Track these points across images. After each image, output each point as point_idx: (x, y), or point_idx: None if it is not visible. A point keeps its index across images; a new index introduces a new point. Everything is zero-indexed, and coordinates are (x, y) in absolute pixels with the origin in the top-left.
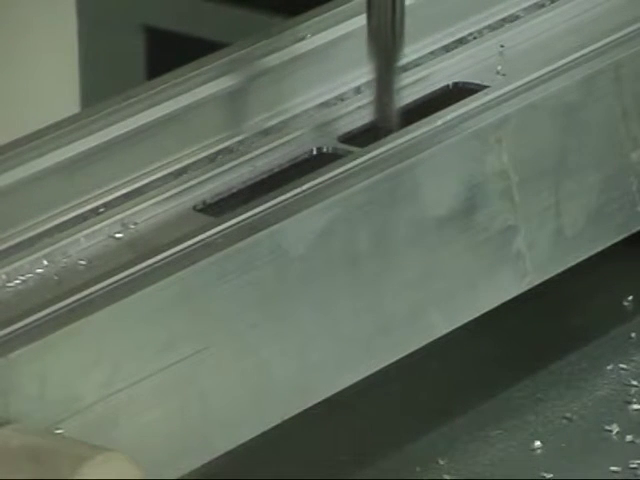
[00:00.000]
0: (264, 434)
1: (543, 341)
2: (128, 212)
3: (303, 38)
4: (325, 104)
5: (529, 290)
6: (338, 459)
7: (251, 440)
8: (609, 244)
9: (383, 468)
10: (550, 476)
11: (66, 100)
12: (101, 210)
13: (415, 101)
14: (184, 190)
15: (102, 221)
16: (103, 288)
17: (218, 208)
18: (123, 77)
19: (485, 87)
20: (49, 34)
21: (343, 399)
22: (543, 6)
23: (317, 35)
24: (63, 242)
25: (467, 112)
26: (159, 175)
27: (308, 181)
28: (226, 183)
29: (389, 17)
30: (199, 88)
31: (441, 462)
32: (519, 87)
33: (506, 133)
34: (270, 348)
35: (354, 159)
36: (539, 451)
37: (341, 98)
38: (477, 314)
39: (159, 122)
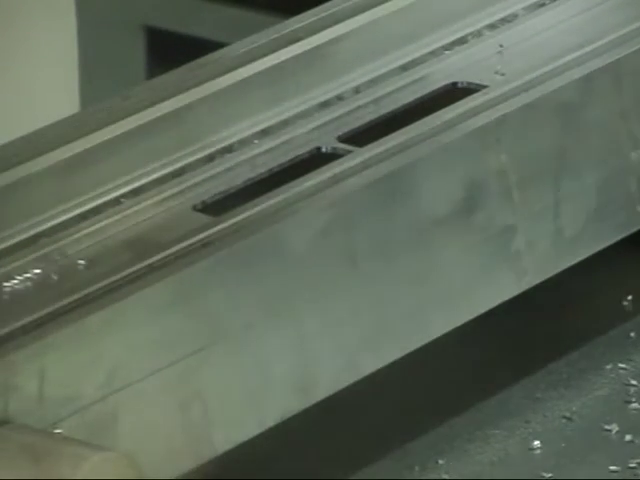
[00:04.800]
0: (263, 434)
1: (542, 341)
2: (127, 212)
3: (302, 38)
4: (324, 104)
5: (528, 290)
6: (338, 459)
7: (251, 440)
8: (609, 244)
9: (383, 468)
10: (549, 475)
11: (66, 100)
12: (100, 209)
13: (414, 101)
14: (184, 190)
15: (101, 220)
16: (102, 288)
17: (218, 208)
18: (123, 77)
19: (484, 87)
20: (49, 34)
21: (343, 399)
22: (542, 5)
23: (316, 35)
24: (62, 242)
25: (466, 112)
26: (158, 175)
27: (308, 181)
28: (225, 183)
29: None
30: (198, 88)
31: (441, 462)
32: (518, 87)
33: (505, 133)
34: (270, 348)
35: (353, 159)
36: (538, 450)
37: (340, 98)
38: (476, 314)
39: (159, 122)
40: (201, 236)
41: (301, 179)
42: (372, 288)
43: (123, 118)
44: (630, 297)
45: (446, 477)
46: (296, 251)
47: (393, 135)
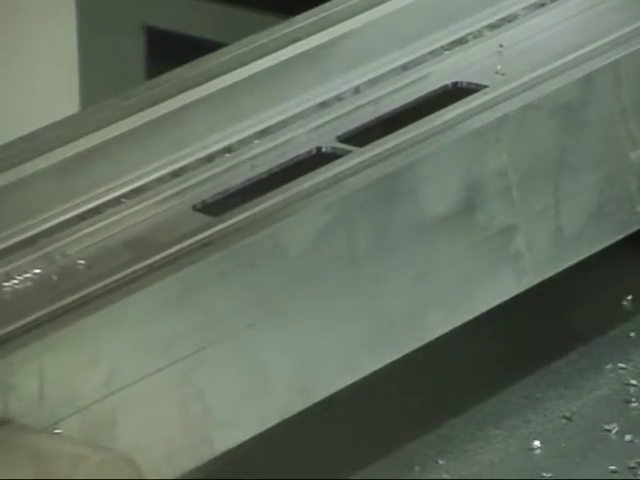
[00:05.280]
0: (263, 434)
1: (542, 341)
2: (127, 212)
3: (302, 38)
4: (324, 104)
5: (528, 290)
6: (338, 459)
7: (251, 440)
8: (608, 244)
9: (383, 468)
10: (549, 475)
11: (66, 100)
12: (100, 209)
13: (415, 101)
14: (183, 190)
15: (101, 220)
16: (102, 288)
17: (217, 208)
18: (123, 77)
19: (484, 87)
20: (49, 34)
21: (343, 399)
22: (542, 5)
23: (316, 35)
24: (62, 242)
25: (466, 112)
26: (158, 175)
27: (307, 181)
28: (225, 183)
29: None
30: (198, 88)
31: (440, 462)
32: (518, 87)
33: (505, 132)
34: (270, 347)
35: (353, 159)
36: (538, 450)
37: (340, 98)
38: (476, 313)
39: (159, 122)
40: (201, 236)
41: (301, 179)
42: (372, 288)
43: (123, 118)
44: (630, 297)
45: (446, 477)
46: (296, 251)
47: (393, 135)
